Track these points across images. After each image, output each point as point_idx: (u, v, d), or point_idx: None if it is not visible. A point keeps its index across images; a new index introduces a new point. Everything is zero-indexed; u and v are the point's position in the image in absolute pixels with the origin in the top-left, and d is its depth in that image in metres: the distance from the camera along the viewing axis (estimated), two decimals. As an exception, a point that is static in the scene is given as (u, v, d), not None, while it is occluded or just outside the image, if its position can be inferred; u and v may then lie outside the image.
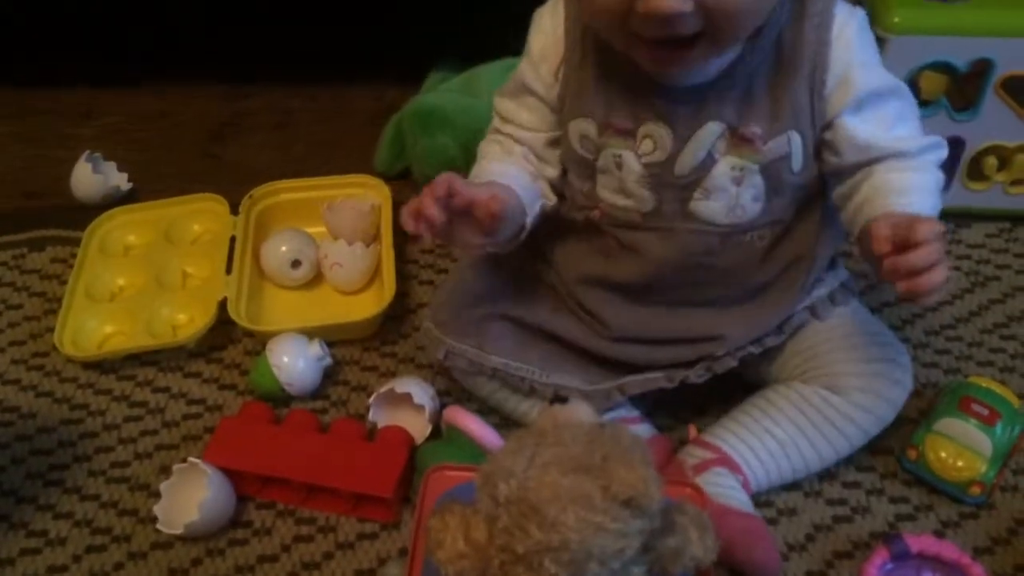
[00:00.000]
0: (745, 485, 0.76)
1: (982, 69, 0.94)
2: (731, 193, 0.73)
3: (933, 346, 0.93)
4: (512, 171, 0.77)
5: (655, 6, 0.59)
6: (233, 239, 1.01)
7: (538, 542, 0.48)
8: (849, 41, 0.70)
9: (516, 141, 0.79)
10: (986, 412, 0.80)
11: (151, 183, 1.15)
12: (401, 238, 1.04)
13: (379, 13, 1.31)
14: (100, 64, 1.30)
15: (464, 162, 1.04)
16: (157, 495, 0.80)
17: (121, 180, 1.13)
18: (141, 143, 1.23)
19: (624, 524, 0.49)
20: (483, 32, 1.25)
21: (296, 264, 0.99)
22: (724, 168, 0.72)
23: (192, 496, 0.78)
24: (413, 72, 1.22)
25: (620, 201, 0.76)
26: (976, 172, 1.02)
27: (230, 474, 0.80)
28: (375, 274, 1.00)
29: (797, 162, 0.72)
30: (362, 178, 1.06)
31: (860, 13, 0.72)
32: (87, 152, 1.11)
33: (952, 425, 0.80)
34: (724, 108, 0.70)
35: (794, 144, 0.71)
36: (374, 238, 1.02)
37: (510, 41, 1.19)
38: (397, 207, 1.03)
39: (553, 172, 0.80)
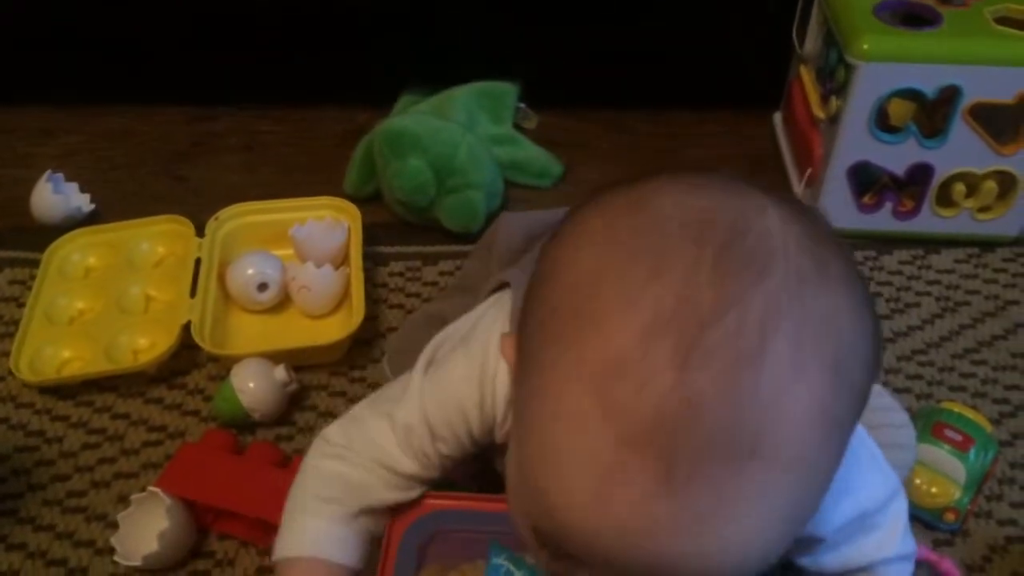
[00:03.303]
0: None
1: (950, 96, 0.95)
2: None
3: (905, 371, 0.93)
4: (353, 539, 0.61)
5: None
6: (198, 262, 0.99)
7: None
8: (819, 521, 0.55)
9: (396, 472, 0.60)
10: (959, 438, 0.80)
11: (114, 204, 1.12)
12: (370, 261, 1.03)
13: (349, 37, 1.31)
14: (63, 82, 1.28)
15: (435, 184, 1.03)
16: (115, 525, 0.77)
17: (83, 201, 1.10)
18: (104, 163, 1.20)
19: None
20: (454, 55, 1.25)
21: (263, 287, 0.97)
22: None
23: (151, 526, 0.75)
24: (383, 95, 1.22)
25: None
26: (945, 198, 1.03)
27: (187, 503, 0.78)
28: (344, 297, 0.98)
29: None
30: (331, 200, 1.05)
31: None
32: (48, 172, 1.09)
33: (925, 451, 0.80)
34: None
35: None
36: (343, 261, 1.00)
37: (481, 65, 1.20)
38: (366, 230, 1.02)
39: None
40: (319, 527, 0.60)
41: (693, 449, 0.37)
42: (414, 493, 0.60)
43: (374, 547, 0.61)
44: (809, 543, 0.56)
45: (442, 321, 0.67)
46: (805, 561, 0.58)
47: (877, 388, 0.79)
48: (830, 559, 0.57)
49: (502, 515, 0.59)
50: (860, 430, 0.55)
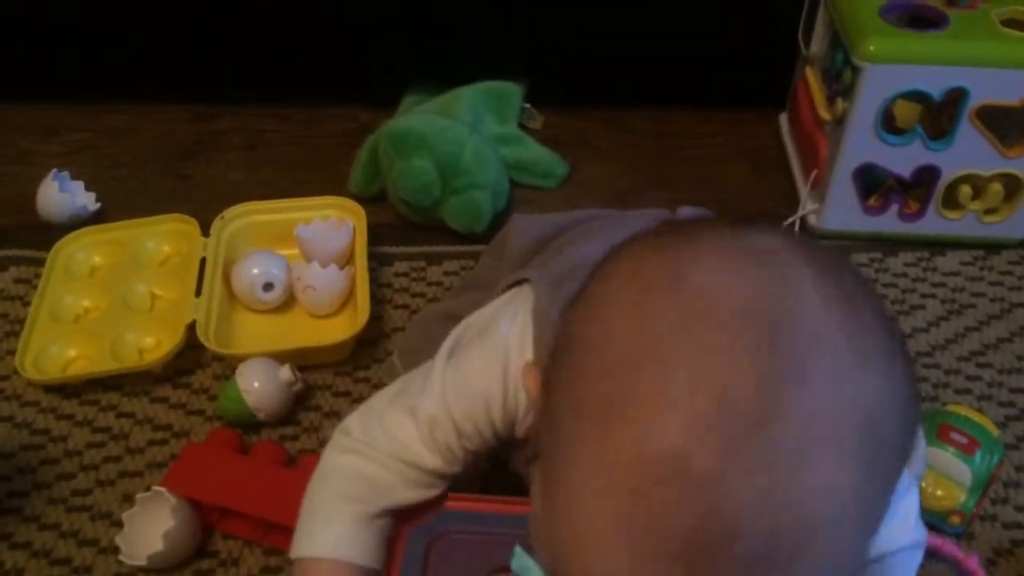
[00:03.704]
0: None
1: (957, 98, 0.95)
2: None
3: (910, 374, 0.93)
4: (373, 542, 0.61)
5: None
6: (203, 261, 0.99)
7: None
8: None
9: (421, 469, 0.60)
10: (965, 441, 0.80)
11: (118, 202, 1.12)
12: (375, 261, 1.03)
13: (352, 36, 1.31)
14: (67, 80, 1.28)
15: (440, 184, 1.03)
16: (119, 524, 0.77)
17: (88, 199, 1.10)
18: (108, 161, 1.20)
19: None
20: (456, 55, 1.25)
21: (268, 287, 0.97)
22: None
23: (156, 526, 0.75)
24: (386, 94, 1.22)
25: None
26: (951, 200, 1.03)
27: (192, 503, 0.78)
28: (349, 297, 0.98)
29: None
30: (336, 200, 1.05)
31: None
32: (54, 170, 1.09)
33: (931, 454, 0.80)
34: None
35: None
36: (348, 260, 1.00)
37: (484, 64, 1.20)
38: (371, 230, 1.02)
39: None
40: (340, 528, 0.59)
41: (732, 563, 0.36)
42: (435, 491, 0.60)
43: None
44: None
45: (457, 318, 0.67)
46: None
47: None
48: None
49: (508, 517, 0.59)
50: None
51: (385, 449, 0.59)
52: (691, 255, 0.41)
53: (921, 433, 0.76)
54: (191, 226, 1.03)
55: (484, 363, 0.57)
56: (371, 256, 0.99)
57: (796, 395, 0.37)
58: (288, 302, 0.99)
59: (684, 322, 0.38)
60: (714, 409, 0.36)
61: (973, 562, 0.75)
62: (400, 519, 0.61)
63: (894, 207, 1.05)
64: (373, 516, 0.60)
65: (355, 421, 0.62)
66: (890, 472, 0.40)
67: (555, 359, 0.43)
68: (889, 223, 1.06)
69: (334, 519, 0.60)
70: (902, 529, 0.59)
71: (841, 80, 0.99)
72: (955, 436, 0.80)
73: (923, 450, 0.76)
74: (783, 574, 0.36)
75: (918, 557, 0.62)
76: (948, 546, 0.76)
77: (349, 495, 0.60)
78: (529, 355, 0.56)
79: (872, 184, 1.05)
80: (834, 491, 0.37)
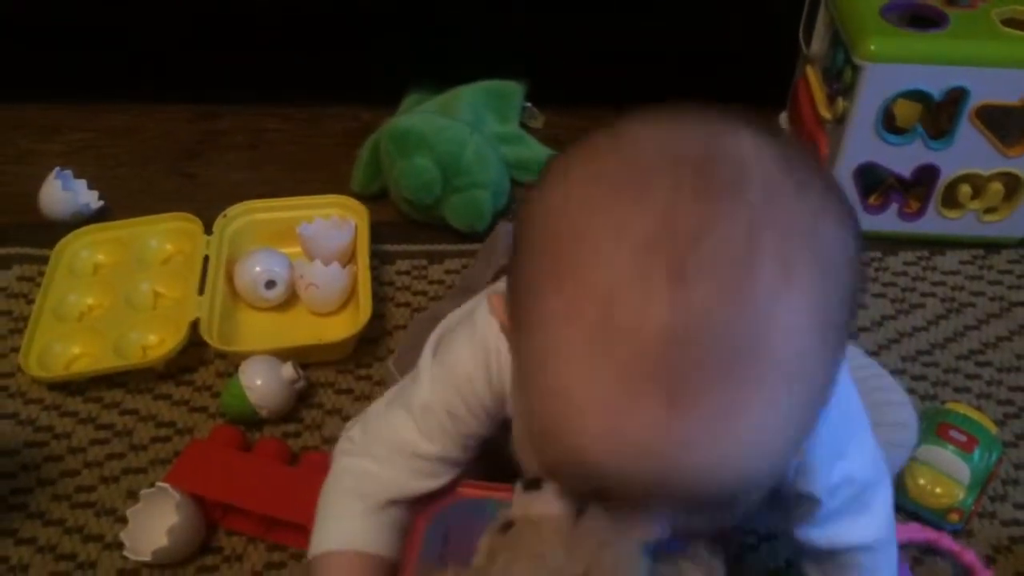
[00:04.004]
0: None
1: (957, 98, 0.95)
2: None
3: (909, 372, 0.93)
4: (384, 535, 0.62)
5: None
6: (206, 259, 0.99)
7: None
8: (803, 468, 0.56)
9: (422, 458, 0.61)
10: (964, 439, 0.80)
11: (121, 201, 1.13)
12: (377, 259, 1.03)
13: (353, 35, 1.31)
14: (69, 79, 1.28)
15: (441, 183, 1.04)
16: (124, 520, 0.78)
17: (91, 198, 1.11)
18: (110, 160, 1.20)
19: None
20: (457, 54, 1.25)
21: (270, 284, 0.98)
22: None
23: (160, 522, 0.76)
24: (387, 93, 1.22)
25: None
26: (950, 200, 1.03)
27: (196, 499, 0.78)
28: (351, 295, 0.99)
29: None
30: (338, 198, 1.05)
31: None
32: (57, 169, 1.09)
33: (930, 452, 0.80)
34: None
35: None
36: (350, 259, 1.01)
37: (484, 64, 1.20)
38: (373, 228, 1.02)
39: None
40: (350, 523, 0.61)
41: (697, 366, 0.38)
42: (443, 479, 0.61)
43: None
44: (807, 506, 0.58)
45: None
46: (800, 533, 0.59)
47: (877, 368, 0.80)
48: (819, 533, 0.60)
49: None
50: (859, 408, 0.59)
51: (387, 445, 0.61)
52: (631, 121, 0.45)
53: (911, 406, 0.77)
54: (194, 224, 1.03)
55: (467, 351, 0.59)
56: (373, 254, 1.00)
57: (733, 207, 0.40)
58: (290, 300, 1.00)
59: (623, 166, 0.42)
60: (657, 232, 0.39)
61: (971, 555, 0.75)
62: (415, 510, 0.62)
63: (894, 206, 1.05)
64: (383, 507, 0.61)
65: (357, 427, 0.64)
66: (841, 296, 0.42)
67: (517, 241, 0.46)
68: (889, 222, 1.06)
69: (344, 515, 0.62)
70: (875, 523, 0.60)
71: (841, 79, 0.99)
72: (954, 434, 0.81)
73: (915, 426, 0.77)
74: (747, 378, 0.39)
75: (893, 553, 0.63)
76: (946, 540, 0.76)
77: (358, 492, 0.61)
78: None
79: (872, 183, 1.05)
80: (785, 293, 0.39)
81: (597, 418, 0.40)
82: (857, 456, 0.58)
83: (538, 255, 0.43)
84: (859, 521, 0.60)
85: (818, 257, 0.41)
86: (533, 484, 0.49)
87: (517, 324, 0.45)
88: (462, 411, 0.59)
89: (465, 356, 0.59)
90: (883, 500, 0.61)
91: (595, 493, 0.44)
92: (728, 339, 0.38)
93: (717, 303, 0.38)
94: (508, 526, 0.50)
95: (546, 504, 0.49)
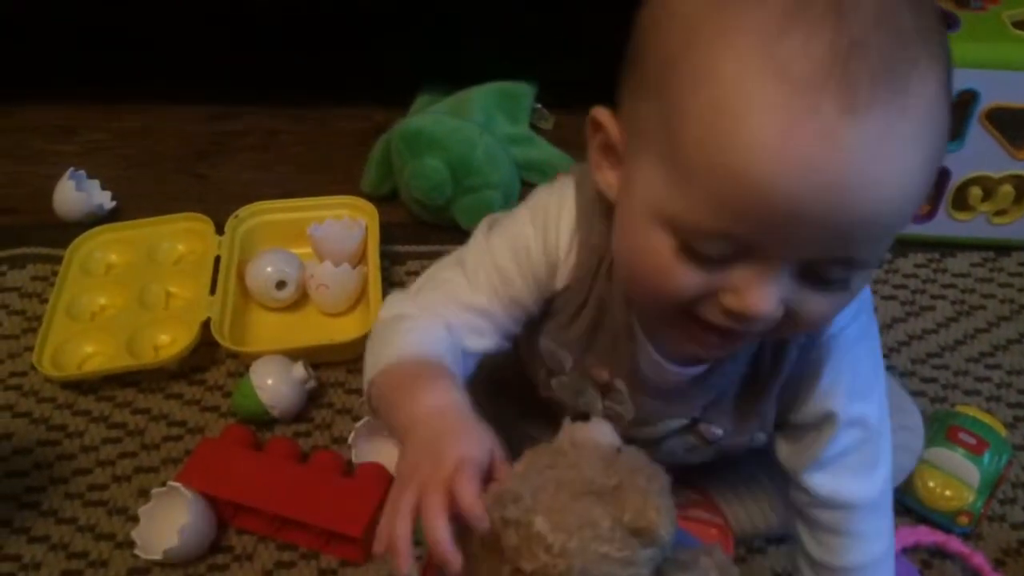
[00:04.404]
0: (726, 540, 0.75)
1: (967, 100, 0.95)
2: (688, 450, 0.68)
3: (919, 375, 0.93)
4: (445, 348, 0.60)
5: (747, 308, 0.48)
6: (218, 259, 1.00)
7: (544, 565, 0.47)
8: (832, 376, 0.61)
9: (467, 309, 0.62)
10: (974, 441, 0.80)
11: (134, 201, 1.13)
12: (387, 260, 1.04)
13: (365, 36, 1.31)
14: (83, 81, 1.29)
15: (452, 184, 1.04)
16: (135, 519, 0.79)
17: (104, 198, 1.12)
18: (124, 161, 1.21)
19: (632, 553, 0.48)
20: (471, 55, 1.26)
21: (281, 285, 0.98)
22: (680, 441, 0.67)
23: (172, 521, 0.76)
24: (400, 94, 1.22)
25: (573, 402, 0.68)
26: (961, 202, 1.03)
27: (207, 498, 0.79)
28: (361, 296, 0.99)
29: (760, 441, 0.67)
30: (349, 199, 1.06)
31: (866, 342, 0.62)
32: (71, 169, 1.10)
33: (940, 455, 0.80)
34: (690, 409, 0.64)
35: (757, 439, 0.66)
36: (360, 259, 1.01)
37: (496, 65, 1.21)
38: (384, 229, 1.02)
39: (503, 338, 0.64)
40: (406, 336, 0.59)
41: (868, 78, 0.42)
42: (487, 341, 0.62)
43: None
44: (823, 429, 0.61)
45: None
46: (806, 476, 0.63)
47: (896, 388, 0.80)
48: (823, 480, 0.63)
49: None
50: (881, 369, 0.63)
51: (435, 295, 0.62)
52: None
53: (922, 435, 0.77)
54: (206, 225, 1.04)
55: (526, 217, 0.61)
56: (383, 255, 1.00)
57: None
58: (301, 300, 1.00)
59: None
60: None
61: (980, 558, 0.75)
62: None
63: (904, 208, 1.05)
64: (437, 327, 0.61)
65: (411, 286, 0.65)
66: (944, 124, 0.46)
67: (642, 25, 0.52)
68: (899, 224, 1.06)
69: (394, 338, 0.60)
70: (872, 483, 0.63)
71: (852, 82, 0.99)
72: (964, 437, 0.80)
73: (919, 449, 0.78)
74: (907, 104, 0.43)
75: (885, 528, 0.65)
76: (954, 542, 0.76)
77: (407, 329, 0.60)
78: (569, 203, 0.60)
79: (882, 185, 1.05)
80: (923, 49, 0.44)
81: (771, 131, 0.42)
82: (875, 405, 0.62)
83: (685, 19, 0.46)
84: (861, 476, 0.63)
85: (943, 48, 0.45)
86: (582, 417, 0.52)
87: (651, 86, 0.48)
88: (512, 271, 0.61)
89: (523, 222, 0.61)
90: (885, 463, 0.63)
91: (745, 229, 0.45)
92: (890, 61, 0.43)
93: (874, 32, 0.42)
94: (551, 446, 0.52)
95: (590, 432, 0.52)
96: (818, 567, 0.65)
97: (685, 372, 0.61)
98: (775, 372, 0.61)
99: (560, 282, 0.61)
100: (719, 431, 0.65)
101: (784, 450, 0.65)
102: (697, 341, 0.54)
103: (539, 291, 0.62)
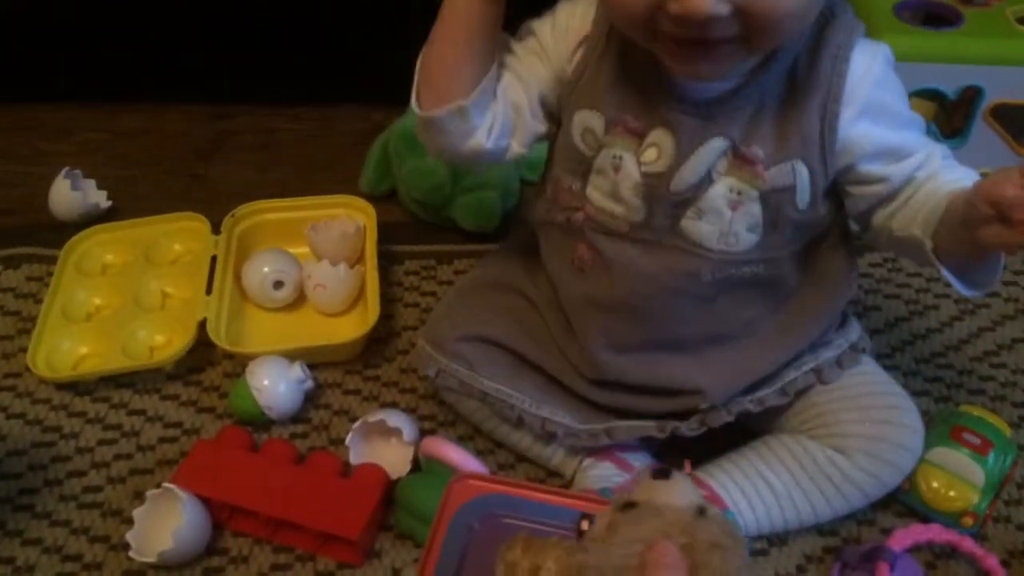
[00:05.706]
0: None
1: (971, 96, 0.95)
2: (725, 218, 0.69)
3: (923, 374, 0.92)
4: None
5: (689, 8, 0.55)
6: (214, 259, 0.99)
7: None
8: (868, 78, 0.66)
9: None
10: (978, 442, 0.79)
11: (131, 201, 1.13)
12: (385, 260, 1.03)
13: (364, 36, 1.31)
14: (81, 81, 1.28)
15: (451, 183, 1.03)
16: (130, 522, 0.78)
17: (100, 198, 1.11)
18: (121, 161, 1.21)
19: None
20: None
21: (278, 285, 0.97)
22: (722, 189, 0.68)
23: (167, 523, 0.76)
24: (399, 94, 1.21)
25: (609, 206, 0.72)
26: (965, 200, 1.02)
27: (202, 500, 0.78)
28: (359, 296, 0.98)
29: (802, 198, 0.68)
30: (347, 198, 1.05)
31: (884, 50, 0.69)
32: (66, 169, 1.09)
33: (944, 455, 0.79)
34: (731, 126, 0.67)
35: (800, 176, 0.67)
36: (358, 259, 1.00)
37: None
38: (382, 228, 1.02)
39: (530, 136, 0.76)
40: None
41: None
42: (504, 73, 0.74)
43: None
44: (881, 155, 0.68)
45: (493, 283, 0.82)
46: (842, 127, 0.67)
47: (884, 376, 0.80)
48: (859, 130, 0.67)
49: (551, 508, 0.62)
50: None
51: None
52: None
53: (920, 427, 0.77)
54: (202, 224, 1.03)
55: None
56: (381, 255, 0.99)
57: None
58: (298, 300, 0.99)
59: None
60: None
61: (993, 560, 0.74)
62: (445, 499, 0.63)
63: (907, 206, 1.04)
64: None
65: None
66: None
67: None
68: (902, 223, 1.05)
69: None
70: (913, 134, 0.69)
71: (854, 78, 0.98)
72: (968, 437, 0.79)
73: (918, 441, 0.77)
74: None
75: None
76: (968, 542, 0.75)
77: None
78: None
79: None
80: None
81: None
82: (910, 138, 0.69)
83: None
84: (896, 129, 0.68)
85: None
86: (662, 473, 0.53)
87: None
88: (546, 28, 0.72)
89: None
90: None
91: None
92: None
93: None
94: (630, 506, 0.51)
95: (672, 493, 0.52)
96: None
97: (715, 88, 0.66)
98: (811, 81, 0.65)
99: (576, 48, 0.71)
100: (761, 151, 0.67)
101: (880, 216, 0.70)
102: (680, 58, 0.61)
103: (555, 70, 0.72)
